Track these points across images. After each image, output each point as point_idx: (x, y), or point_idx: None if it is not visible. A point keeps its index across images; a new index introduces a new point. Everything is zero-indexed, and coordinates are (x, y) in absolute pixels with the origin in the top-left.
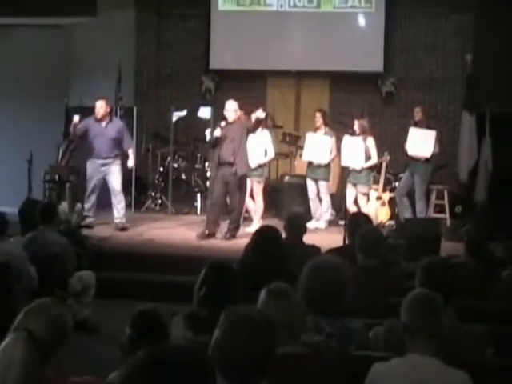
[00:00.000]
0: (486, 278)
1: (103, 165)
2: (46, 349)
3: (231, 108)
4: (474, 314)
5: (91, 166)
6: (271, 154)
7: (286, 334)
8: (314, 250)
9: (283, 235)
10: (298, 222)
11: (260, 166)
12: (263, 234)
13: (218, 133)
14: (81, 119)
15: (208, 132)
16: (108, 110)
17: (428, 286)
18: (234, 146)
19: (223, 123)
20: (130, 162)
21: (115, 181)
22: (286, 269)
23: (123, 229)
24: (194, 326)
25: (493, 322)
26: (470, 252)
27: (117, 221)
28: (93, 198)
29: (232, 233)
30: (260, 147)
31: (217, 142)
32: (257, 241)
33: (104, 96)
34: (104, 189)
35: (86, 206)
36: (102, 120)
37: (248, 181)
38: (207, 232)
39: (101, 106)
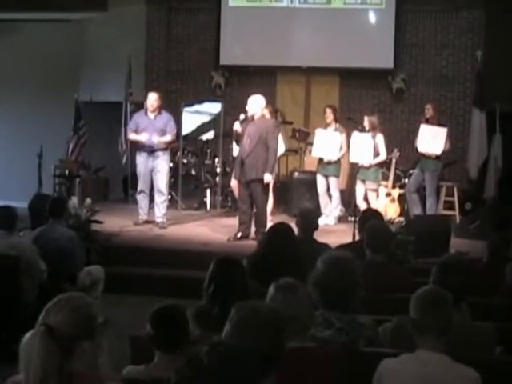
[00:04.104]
0: (499, 276)
1: (151, 159)
2: (70, 343)
3: (248, 104)
4: (482, 311)
5: (139, 159)
6: (281, 151)
7: (293, 329)
8: (326, 247)
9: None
10: (311, 217)
11: None
12: (277, 230)
13: (236, 126)
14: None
15: (236, 125)
16: (159, 102)
17: (443, 284)
18: (248, 145)
19: (242, 116)
20: (157, 140)
21: (160, 178)
22: (297, 265)
23: (163, 228)
24: (202, 322)
25: (501, 320)
26: (493, 256)
27: (158, 220)
28: (143, 202)
29: (256, 233)
30: None
31: (237, 137)
32: (271, 237)
33: (155, 89)
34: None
35: (142, 209)
36: (152, 112)
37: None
38: (240, 235)
39: (155, 99)
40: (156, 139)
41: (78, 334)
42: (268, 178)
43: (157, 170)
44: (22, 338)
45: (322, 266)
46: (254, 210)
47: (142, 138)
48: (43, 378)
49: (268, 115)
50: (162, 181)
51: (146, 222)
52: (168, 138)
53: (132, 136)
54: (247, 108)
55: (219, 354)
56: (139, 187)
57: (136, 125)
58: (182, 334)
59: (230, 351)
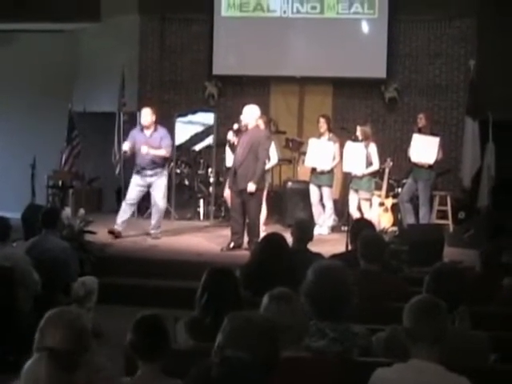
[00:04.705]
0: (492, 285)
1: (149, 176)
2: (73, 358)
3: (252, 115)
4: (476, 319)
5: (136, 177)
6: (274, 160)
7: (288, 339)
8: (319, 257)
9: (289, 241)
10: (306, 228)
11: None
12: (270, 240)
13: (229, 136)
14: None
15: (229, 135)
16: (154, 118)
17: (436, 292)
18: (240, 154)
19: (236, 126)
20: (146, 150)
21: (158, 194)
22: (291, 275)
23: (156, 238)
24: (195, 332)
25: (496, 328)
26: (485, 265)
27: (152, 231)
28: (128, 210)
29: (249, 243)
30: None
31: (231, 147)
32: (264, 247)
33: (150, 104)
34: None
35: (120, 219)
36: (148, 129)
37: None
38: (232, 244)
39: (147, 114)
40: (145, 149)
41: (79, 347)
42: (251, 187)
43: (155, 186)
44: (18, 350)
45: (312, 276)
46: (247, 221)
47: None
48: None
49: (262, 125)
50: (159, 196)
51: (119, 234)
52: (162, 152)
53: (125, 147)
54: (241, 117)
55: (228, 368)
56: (127, 197)
57: (133, 141)
58: (164, 343)
59: (238, 365)
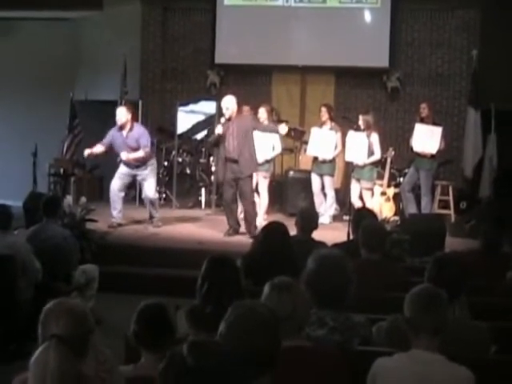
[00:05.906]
0: (494, 274)
1: (134, 171)
2: (81, 342)
3: (225, 105)
4: (477, 310)
5: (123, 166)
6: (278, 150)
7: (289, 328)
8: (323, 246)
9: (292, 230)
10: (311, 217)
11: (267, 161)
12: (271, 229)
13: (219, 130)
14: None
15: (218, 128)
16: (129, 116)
17: (437, 280)
18: (236, 144)
19: (223, 119)
20: (125, 156)
21: (148, 187)
22: (293, 264)
23: (157, 227)
24: (196, 321)
25: (497, 319)
26: (487, 251)
27: (152, 220)
28: (118, 200)
29: (249, 230)
30: (267, 142)
31: (219, 140)
32: (265, 236)
33: (125, 103)
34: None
35: (115, 211)
36: (123, 128)
37: (254, 175)
38: (231, 230)
39: (122, 113)
40: (125, 156)
41: (84, 330)
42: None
43: (143, 179)
44: (19, 338)
45: (312, 264)
46: (244, 207)
47: (98, 149)
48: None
49: (265, 114)
50: (149, 188)
51: (119, 225)
52: (140, 154)
53: (95, 149)
54: (224, 111)
55: (204, 355)
56: (113, 185)
57: (110, 141)
58: (168, 332)
59: (214, 351)
